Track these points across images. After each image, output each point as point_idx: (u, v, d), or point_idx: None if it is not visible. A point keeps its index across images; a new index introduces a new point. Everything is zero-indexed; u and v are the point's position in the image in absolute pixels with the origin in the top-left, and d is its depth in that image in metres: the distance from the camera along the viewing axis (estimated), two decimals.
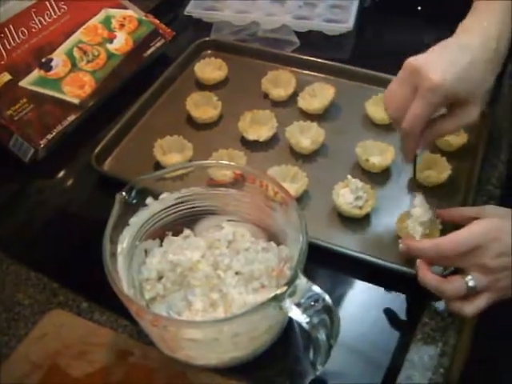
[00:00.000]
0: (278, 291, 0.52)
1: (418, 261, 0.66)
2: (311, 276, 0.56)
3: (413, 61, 0.63)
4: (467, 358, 0.84)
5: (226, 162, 0.74)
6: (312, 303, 0.52)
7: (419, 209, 0.71)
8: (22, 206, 0.84)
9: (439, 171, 0.80)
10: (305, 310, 0.52)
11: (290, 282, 0.53)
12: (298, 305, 0.52)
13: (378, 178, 0.81)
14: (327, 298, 0.53)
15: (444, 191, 0.79)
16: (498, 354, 0.84)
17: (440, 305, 0.67)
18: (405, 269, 0.69)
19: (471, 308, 0.62)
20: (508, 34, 0.65)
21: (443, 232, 0.71)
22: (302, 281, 0.53)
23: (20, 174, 0.88)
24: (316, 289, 0.53)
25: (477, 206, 0.70)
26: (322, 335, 0.53)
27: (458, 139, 0.84)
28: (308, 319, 0.52)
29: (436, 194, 0.78)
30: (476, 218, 0.66)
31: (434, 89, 0.60)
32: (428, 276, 0.64)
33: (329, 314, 0.53)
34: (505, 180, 0.83)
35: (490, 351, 0.84)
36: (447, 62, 0.61)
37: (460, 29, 0.66)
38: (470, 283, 0.61)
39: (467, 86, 0.62)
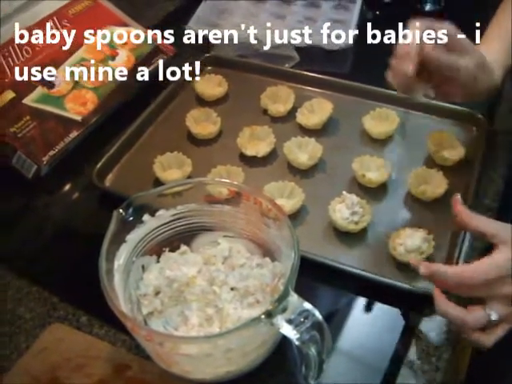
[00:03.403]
0: (269, 307, 0.53)
1: (435, 290, 0.63)
2: (306, 291, 0.57)
3: None
4: (469, 367, 0.84)
5: (222, 180, 0.75)
6: (302, 319, 0.53)
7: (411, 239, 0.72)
8: (25, 222, 0.85)
9: (436, 186, 0.80)
10: (295, 327, 0.53)
11: (281, 299, 0.53)
12: (289, 321, 0.53)
13: (375, 193, 0.82)
14: (317, 314, 0.53)
15: (440, 206, 0.79)
16: (501, 359, 0.82)
17: (434, 320, 0.67)
18: (400, 284, 0.69)
19: (491, 339, 0.61)
20: None
21: (436, 248, 0.72)
22: (293, 297, 0.54)
23: (23, 190, 0.89)
24: (307, 305, 0.54)
25: (494, 223, 0.64)
26: (312, 351, 0.54)
27: (454, 154, 0.84)
28: (298, 335, 0.53)
29: (432, 209, 0.79)
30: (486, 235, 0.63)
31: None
32: (449, 306, 0.62)
33: (319, 330, 0.53)
34: (502, 194, 0.83)
35: (493, 357, 0.83)
36: None
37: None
38: (493, 317, 0.60)
39: None
